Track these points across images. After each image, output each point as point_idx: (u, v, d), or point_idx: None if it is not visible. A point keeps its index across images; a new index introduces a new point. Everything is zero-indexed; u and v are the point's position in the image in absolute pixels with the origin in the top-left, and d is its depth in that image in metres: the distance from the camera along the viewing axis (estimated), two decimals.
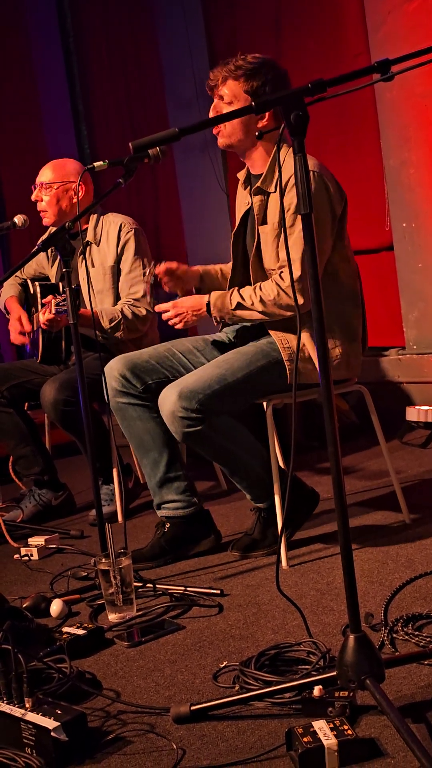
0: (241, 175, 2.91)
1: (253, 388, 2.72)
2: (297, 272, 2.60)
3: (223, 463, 2.77)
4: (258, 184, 2.74)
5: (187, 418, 2.59)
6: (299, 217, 2.57)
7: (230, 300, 2.71)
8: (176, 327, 2.77)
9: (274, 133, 2.71)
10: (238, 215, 2.91)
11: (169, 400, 2.62)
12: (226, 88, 2.69)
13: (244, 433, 2.74)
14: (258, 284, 2.70)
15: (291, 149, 2.71)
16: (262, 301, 2.66)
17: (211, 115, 2.73)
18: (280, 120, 2.72)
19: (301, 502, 2.86)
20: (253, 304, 2.68)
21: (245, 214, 2.86)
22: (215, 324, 2.78)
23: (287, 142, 2.73)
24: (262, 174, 2.75)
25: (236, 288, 2.74)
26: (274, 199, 2.72)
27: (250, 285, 2.78)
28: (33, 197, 3.62)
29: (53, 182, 3.57)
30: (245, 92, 2.67)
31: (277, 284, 2.65)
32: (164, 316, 2.79)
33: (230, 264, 2.96)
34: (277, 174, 2.72)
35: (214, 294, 2.74)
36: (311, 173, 2.57)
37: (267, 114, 2.70)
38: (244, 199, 2.89)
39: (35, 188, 3.62)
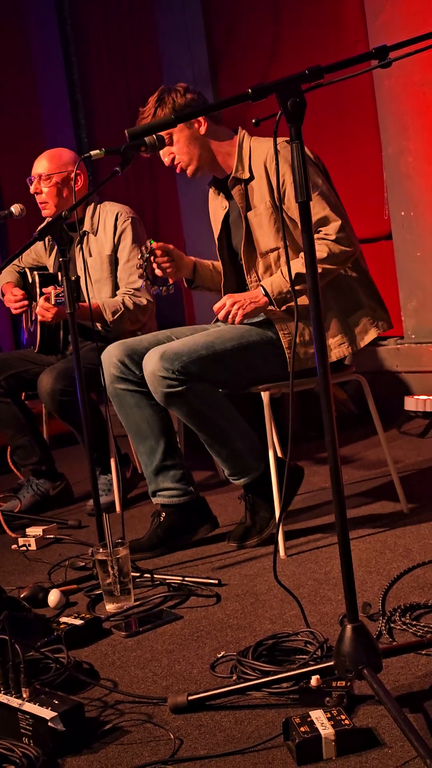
0: (211, 189, 2.96)
1: (242, 363, 2.70)
2: (338, 220, 2.63)
3: (203, 431, 2.72)
4: (233, 176, 2.77)
5: (167, 378, 2.59)
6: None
7: (282, 275, 2.67)
8: (236, 321, 2.68)
9: (221, 129, 2.81)
10: (217, 222, 2.94)
11: (151, 360, 2.63)
12: (161, 130, 2.67)
13: (228, 406, 2.71)
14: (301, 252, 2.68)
15: (253, 138, 2.77)
16: (318, 262, 2.60)
17: (168, 160, 2.81)
18: (217, 116, 2.80)
19: (288, 480, 2.83)
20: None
21: (225, 217, 2.87)
22: (277, 309, 2.69)
23: (246, 133, 2.81)
24: (230, 172, 2.79)
25: (280, 270, 2.72)
26: (254, 184, 2.75)
27: (243, 285, 2.79)
28: (32, 190, 3.58)
29: (52, 173, 3.54)
30: (168, 114, 2.70)
31: (326, 241, 2.64)
32: (222, 313, 2.69)
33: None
34: (247, 161, 2.76)
35: (264, 281, 2.71)
36: (284, 143, 2.58)
37: (201, 118, 2.77)
38: (220, 205, 2.92)
39: (31, 181, 3.59)
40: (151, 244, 2.80)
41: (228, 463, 2.77)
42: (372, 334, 2.79)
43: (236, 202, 2.78)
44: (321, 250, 2.62)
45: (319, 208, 2.63)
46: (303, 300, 2.58)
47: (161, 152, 2.81)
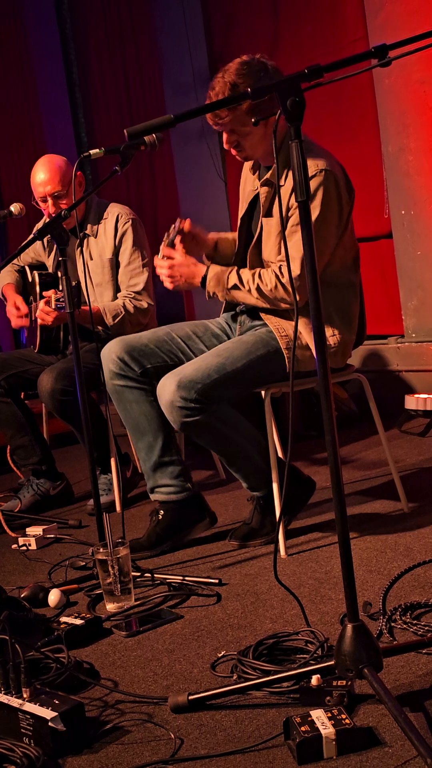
0: (248, 164, 2.89)
1: (253, 378, 2.71)
2: (297, 270, 2.59)
3: (221, 451, 2.77)
4: (267, 175, 2.71)
5: (185, 408, 2.59)
6: (322, 224, 2.57)
7: (227, 279, 2.71)
8: (165, 285, 2.79)
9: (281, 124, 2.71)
10: (246, 199, 2.88)
11: (167, 389, 2.61)
12: (233, 119, 2.61)
13: (243, 422, 2.73)
14: (258, 270, 2.69)
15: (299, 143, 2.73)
16: (258, 289, 2.67)
17: (227, 145, 2.71)
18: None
19: (298, 490, 2.86)
20: (249, 290, 2.68)
21: (254, 200, 2.84)
22: (207, 299, 2.77)
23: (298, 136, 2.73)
24: (271, 166, 2.72)
25: (236, 268, 2.73)
26: (282, 194, 2.68)
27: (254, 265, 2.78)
28: (52, 211, 3.49)
29: (62, 189, 3.49)
30: (246, 112, 2.59)
31: (277, 276, 2.64)
32: (158, 270, 2.79)
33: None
34: (287, 169, 2.67)
35: (212, 269, 2.73)
36: (323, 171, 2.56)
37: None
38: (251, 185, 2.87)
39: (39, 203, 3.53)
40: (179, 224, 2.81)
41: (248, 479, 2.79)
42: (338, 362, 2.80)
43: (260, 200, 2.75)
44: (270, 281, 2.65)
45: (295, 248, 2.51)
46: (296, 312, 2.57)
47: (221, 124, 2.65)
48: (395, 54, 1.64)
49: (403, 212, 4.46)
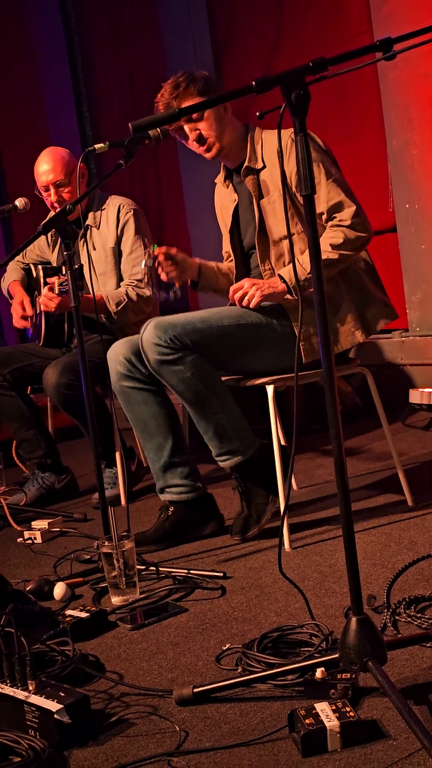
0: (219, 179, 2.97)
1: (237, 342, 2.70)
2: (352, 206, 2.66)
3: (192, 403, 2.70)
4: (246, 165, 2.79)
5: (160, 345, 2.60)
6: (320, 168, 2.62)
7: (302, 264, 2.67)
8: (252, 303, 2.67)
9: (237, 121, 2.82)
10: (227, 216, 2.94)
11: (148, 328, 2.65)
12: (187, 103, 2.71)
13: (218, 381, 2.71)
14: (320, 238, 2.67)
15: (264, 131, 2.79)
16: (334, 248, 2.66)
17: (193, 139, 2.77)
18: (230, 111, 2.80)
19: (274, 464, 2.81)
20: (327, 256, 2.65)
21: (235, 211, 2.87)
22: (294, 297, 2.70)
23: (257, 127, 2.83)
24: (242, 161, 2.81)
25: (292, 260, 2.73)
26: (266, 173, 2.77)
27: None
28: (54, 201, 3.53)
29: (64, 178, 3.51)
30: (201, 95, 2.72)
31: (341, 227, 2.66)
32: (239, 294, 2.69)
33: (226, 264, 2.98)
34: (260, 152, 2.79)
35: (282, 269, 2.73)
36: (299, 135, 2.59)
37: (228, 103, 2.76)
38: (229, 198, 2.92)
39: (41, 192, 3.55)
40: (153, 250, 2.79)
41: (214, 441, 2.75)
42: (382, 324, 2.81)
43: (249, 190, 2.79)
44: (337, 237, 2.65)
45: (334, 194, 2.66)
46: (299, 295, 2.59)
47: (186, 128, 2.80)
48: (400, 47, 1.63)
49: (407, 206, 4.44)
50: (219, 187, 2.99)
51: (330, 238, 2.67)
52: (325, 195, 2.66)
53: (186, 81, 2.73)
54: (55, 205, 3.53)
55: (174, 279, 2.82)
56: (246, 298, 2.68)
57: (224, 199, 2.97)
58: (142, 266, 2.81)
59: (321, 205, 2.70)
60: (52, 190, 3.52)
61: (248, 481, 2.78)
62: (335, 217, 2.68)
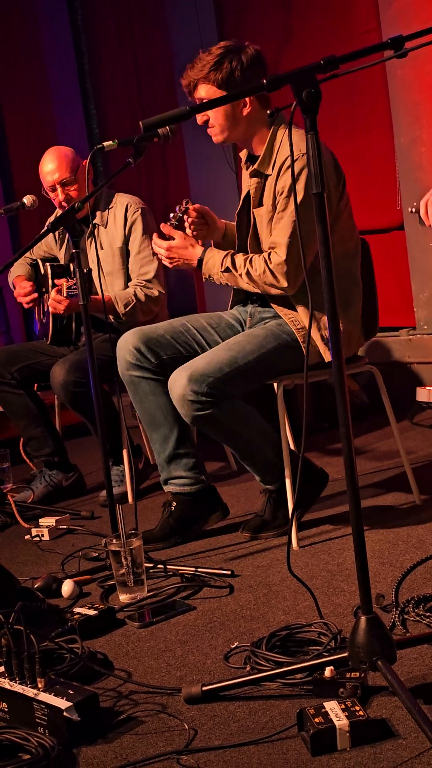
0: (243, 155, 2.93)
1: (264, 371, 2.71)
2: (282, 256, 2.64)
3: (233, 445, 2.77)
4: (255, 166, 2.75)
5: (196, 402, 2.59)
6: (290, 201, 2.60)
7: (222, 262, 2.74)
8: (164, 263, 2.85)
9: (262, 115, 2.75)
10: (242, 196, 2.91)
11: (179, 383, 2.61)
12: (200, 91, 2.72)
13: (255, 416, 2.73)
14: (251, 256, 2.72)
15: (287, 130, 2.75)
16: (248, 274, 2.70)
17: (200, 121, 2.75)
18: (266, 101, 2.74)
19: (311, 483, 2.86)
20: (240, 274, 2.72)
21: (247, 196, 2.86)
22: (203, 280, 2.83)
23: (285, 123, 2.75)
24: (258, 156, 2.76)
25: (231, 252, 2.76)
26: (271, 183, 2.73)
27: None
28: (62, 200, 3.52)
29: (70, 176, 3.51)
30: (219, 87, 2.68)
31: (266, 262, 2.68)
32: (156, 249, 2.84)
33: None
34: (275, 155, 2.73)
35: (209, 252, 2.77)
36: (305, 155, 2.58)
37: (248, 99, 2.71)
38: (246, 181, 2.90)
39: (48, 193, 3.55)
40: (185, 204, 2.82)
41: (261, 473, 2.80)
42: (354, 348, 2.84)
43: (251, 192, 2.77)
44: (257, 267, 2.68)
45: (283, 233, 2.65)
46: (310, 304, 2.57)
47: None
48: (410, 45, 1.63)
49: (415, 204, 4.43)
50: (243, 166, 2.96)
51: (254, 261, 2.70)
52: (277, 230, 2.67)
53: (212, 67, 2.68)
54: (63, 204, 3.53)
55: (198, 238, 2.86)
56: (159, 255, 2.84)
57: (244, 179, 2.94)
58: (171, 216, 2.82)
59: (269, 236, 2.72)
60: (59, 189, 3.51)
61: (282, 493, 2.78)
62: (270, 252, 2.67)
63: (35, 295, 3.67)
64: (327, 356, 2.72)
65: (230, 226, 2.99)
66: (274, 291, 2.70)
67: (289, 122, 1.67)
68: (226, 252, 2.76)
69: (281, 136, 2.73)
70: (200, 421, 2.65)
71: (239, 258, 2.73)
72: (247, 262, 2.71)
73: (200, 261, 2.77)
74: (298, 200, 2.50)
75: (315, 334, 2.71)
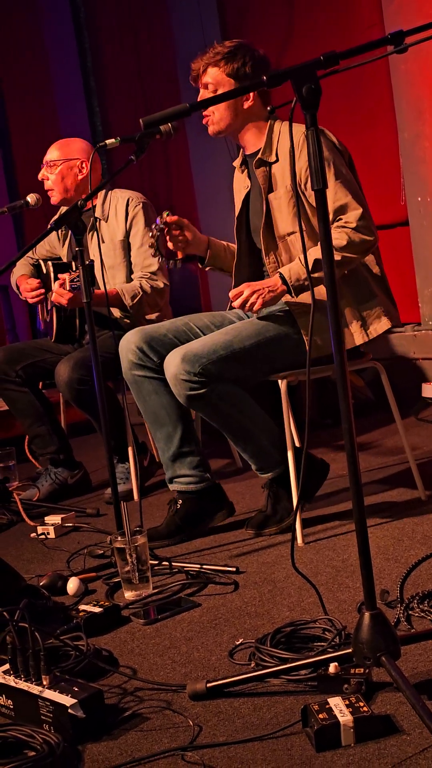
0: (236, 162, 2.96)
1: (261, 359, 2.70)
2: (358, 210, 2.62)
3: (227, 430, 2.76)
4: (259, 156, 2.77)
5: (189, 381, 2.60)
6: (330, 167, 2.59)
7: (300, 261, 2.66)
8: (254, 308, 2.65)
9: (259, 109, 2.79)
10: (238, 201, 2.92)
11: (173, 363, 2.63)
12: (208, 76, 2.77)
13: (250, 403, 2.73)
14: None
15: (284, 123, 2.75)
16: (338, 250, 2.61)
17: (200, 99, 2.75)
18: (267, 98, 2.76)
19: (312, 474, 2.85)
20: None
21: (246, 197, 2.86)
22: (294, 296, 2.67)
23: (280, 118, 2.81)
24: (258, 150, 2.79)
25: (298, 257, 2.71)
26: (278, 168, 2.75)
27: (256, 267, 2.79)
28: (39, 176, 3.63)
29: (57, 160, 3.57)
30: (228, 75, 2.75)
31: (343, 228, 2.63)
32: (238, 301, 2.66)
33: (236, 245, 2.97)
34: (275, 144, 2.77)
35: (282, 268, 2.68)
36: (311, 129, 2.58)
37: (252, 94, 2.75)
38: (242, 183, 2.92)
39: (43, 167, 3.63)
40: (166, 216, 2.80)
41: (254, 459, 2.80)
42: (384, 325, 2.77)
43: (259, 182, 2.78)
44: (341, 238, 2.61)
45: (341, 195, 2.63)
46: (321, 290, 2.58)
47: (200, 90, 2.83)
48: (411, 40, 1.62)
49: (419, 199, 4.43)
50: (236, 171, 2.98)
51: (334, 239, 2.62)
52: (332, 195, 2.62)
53: (224, 55, 2.74)
54: (43, 181, 3.61)
55: (179, 249, 2.83)
56: (247, 304, 2.65)
57: (239, 183, 2.96)
58: (153, 227, 2.79)
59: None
60: (43, 169, 3.62)
61: (281, 486, 2.78)
62: (341, 219, 2.64)
63: (42, 291, 3.68)
64: (354, 340, 2.74)
65: (215, 241, 2.98)
66: (366, 251, 2.67)
67: (289, 118, 1.67)
68: (293, 261, 2.70)
69: (278, 127, 2.79)
70: (192, 401, 2.65)
71: (313, 251, 2.61)
72: None
73: (282, 278, 2.64)
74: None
75: (352, 319, 2.72)
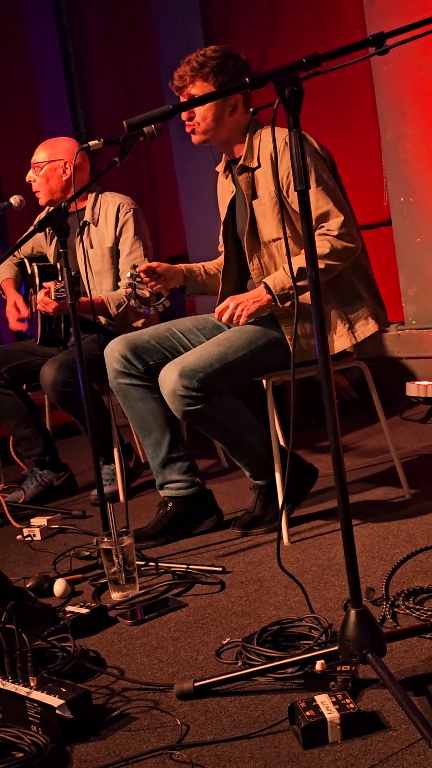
0: (220, 167, 2.94)
1: (254, 367, 2.72)
2: (340, 217, 2.61)
3: (223, 441, 2.78)
4: (241, 163, 2.76)
5: (187, 397, 2.59)
6: (312, 173, 2.59)
7: (284, 271, 2.65)
8: (240, 322, 2.64)
9: (243, 116, 2.76)
10: (224, 206, 2.92)
11: (169, 378, 2.62)
12: (195, 88, 2.70)
13: (244, 412, 2.74)
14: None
15: (265, 128, 2.75)
16: (320, 258, 2.58)
17: (184, 116, 2.74)
18: (249, 102, 2.75)
19: (301, 478, 2.87)
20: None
21: (231, 202, 2.86)
22: (280, 306, 2.66)
23: (261, 125, 2.78)
24: (241, 156, 2.77)
25: (282, 266, 2.71)
26: (260, 173, 2.74)
27: (244, 271, 2.79)
28: (26, 178, 3.63)
29: (42, 162, 3.58)
30: (216, 88, 2.68)
31: (326, 236, 2.62)
32: (225, 316, 2.65)
33: (213, 261, 2.97)
34: (257, 150, 2.74)
35: (267, 278, 2.67)
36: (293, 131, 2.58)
37: (239, 104, 2.73)
38: (227, 188, 2.91)
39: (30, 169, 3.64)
40: (134, 269, 2.78)
41: (250, 468, 2.80)
42: (372, 328, 2.77)
43: (242, 189, 2.78)
44: (323, 246, 2.60)
45: (322, 203, 2.61)
46: (306, 297, 2.58)
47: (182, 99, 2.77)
48: (393, 42, 1.63)
49: (402, 199, 4.45)
50: (220, 176, 2.97)
51: (317, 247, 2.62)
52: (314, 203, 2.59)
53: (213, 68, 2.67)
54: (30, 182, 3.63)
55: (159, 290, 2.80)
56: (234, 318, 2.65)
57: (223, 189, 2.95)
58: (123, 293, 2.76)
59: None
60: (30, 170, 3.64)
61: (272, 488, 2.79)
62: (322, 227, 2.63)
63: (24, 326, 3.69)
64: (336, 347, 2.73)
65: (190, 268, 2.96)
66: (348, 258, 2.65)
67: (272, 119, 1.68)
68: (280, 269, 2.69)
69: (260, 133, 2.76)
70: (190, 416, 2.65)
71: (297, 259, 2.60)
72: None
73: (267, 288, 2.64)
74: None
75: (339, 325, 2.72)
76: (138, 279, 2.76)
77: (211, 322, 2.95)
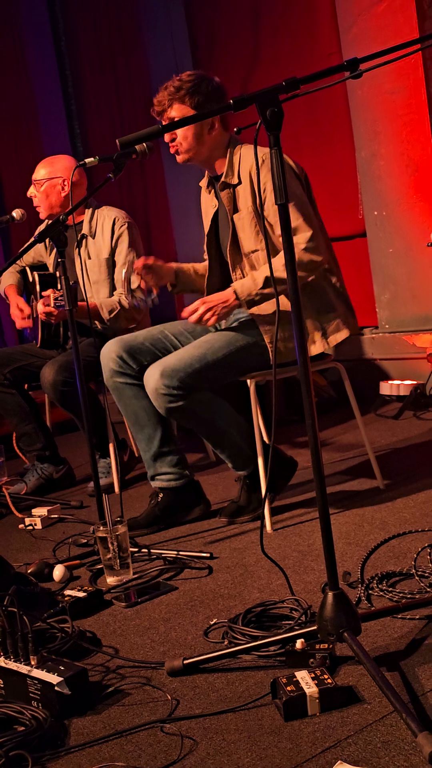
0: (203, 183, 2.94)
1: (233, 367, 2.71)
2: (307, 232, 2.59)
3: (206, 434, 2.77)
4: (223, 179, 2.75)
5: (168, 395, 2.59)
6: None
7: (254, 278, 2.64)
8: (209, 323, 2.65)
9: (221, 134, 2.75)
10: (207, 219, 2.91)
11: (152, 378, 2.62)
12: (173, 111, 2.70)
13: (225, 407, 2.73)
14: (278, 256, 2.64)
15: (244, 146, 2.74)
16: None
17: (167, 138, 2.73)
18: (227, 123, 2.76)
19: (281, 469, 2.87)
20: (279, 275, 2.57)
21: (214, 216, 2.86)
22: (246, 310, 2.68)
23: (240, 142, 2.78)
24: (222, 173, 2.76)
25: (253, 271, 2.71)
26: (241, 189, 2.73)
27: (228, 281, 2.79)
28: (28, 194, 3.62)
29: (42, 179, 3.56)
30: (193, 108, 2.68)
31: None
32: (194, 317, 2.64)
33: (204, 263, 2.96)
34: (236, 167, 2.74)
35: (235, 283, 2.67)
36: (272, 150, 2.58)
37: (217, 124, 2.73)
38: (210, 203, 2.90)
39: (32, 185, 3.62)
40: (133, 263, 2.77)
41: (232, 459, 2.80)
42: (343, 334, 2.77)
43: (224, 204, 2.78)
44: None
45: (293, 217, 2.58)
46: (284, 300, 2.58)
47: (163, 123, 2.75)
48: (366, 66, 1.64)
49: (375, 213, 4.46)
50: (203, 191, 2.97)
51: (283, 258, 2.62)
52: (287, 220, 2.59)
53: (188, 90, 2.67)
54: (31, 197, 3.61)
55: (151, 286, 2.80)
56: (202, 319, 2.64)
57: (206, 203, 2.95)
58: (122, 276, 2.77)
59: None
60: (31, 187, 3.62)
61: (255, 479, 2.79)
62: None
63: (30, 322, 3.67)
64: (311, 352, 2.71)
65: (182, 267, 2.95)
66: (313, 271, 2.63)
67: (254, 139, 1.67)
68: (249, 275, 2.68)
69: (238, 151, 2.75)
70: (173, 413, 2.65)
71: (264, 269, 2.63)
72: (277, 261, 2.59)
73: (235, 293, 2.63)
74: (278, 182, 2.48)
75: (314, 331, 2.71)
76: (133, 271, 2.77)
77: (201, 326, 2.95)
